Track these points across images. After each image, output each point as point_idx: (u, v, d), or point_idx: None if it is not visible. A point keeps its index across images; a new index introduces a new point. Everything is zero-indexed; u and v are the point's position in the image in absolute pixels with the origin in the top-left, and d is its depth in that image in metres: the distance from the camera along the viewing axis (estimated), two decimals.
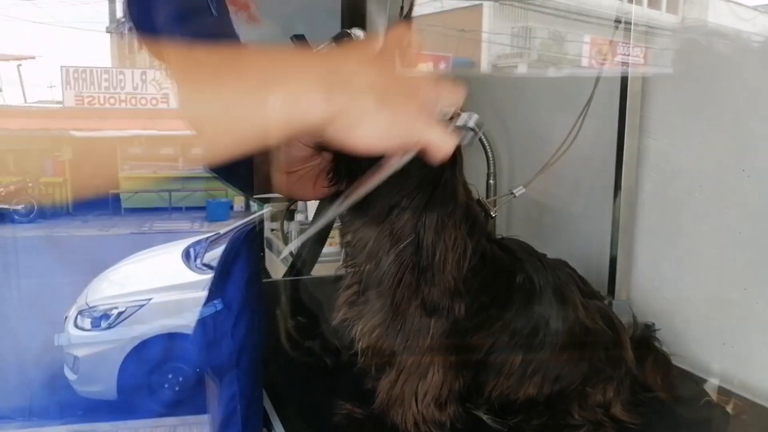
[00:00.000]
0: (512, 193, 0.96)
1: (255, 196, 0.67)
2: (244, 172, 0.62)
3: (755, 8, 0.86)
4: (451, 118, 0.46)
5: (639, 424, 0.69)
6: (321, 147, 0.64)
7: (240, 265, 0.64)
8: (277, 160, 0.66)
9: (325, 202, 1.01)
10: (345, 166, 0.60)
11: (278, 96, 0.38)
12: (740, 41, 0.86)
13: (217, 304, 0.64)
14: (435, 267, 0.59)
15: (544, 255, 0.72)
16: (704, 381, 0.83)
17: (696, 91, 0.90)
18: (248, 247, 0.64)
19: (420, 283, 0.60)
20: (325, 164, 0.64)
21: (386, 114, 0.41)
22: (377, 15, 1.45)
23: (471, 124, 0.49)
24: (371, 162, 0.59)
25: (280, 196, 0.70)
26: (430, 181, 0.60)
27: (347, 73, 0.40)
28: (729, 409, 0.74)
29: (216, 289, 0.63)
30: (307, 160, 0.66)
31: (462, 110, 0.48)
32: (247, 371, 0.65)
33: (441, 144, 0.43)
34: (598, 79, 0.95)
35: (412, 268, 0.60)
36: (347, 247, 0.67)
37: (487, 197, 1.08)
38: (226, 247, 0.65)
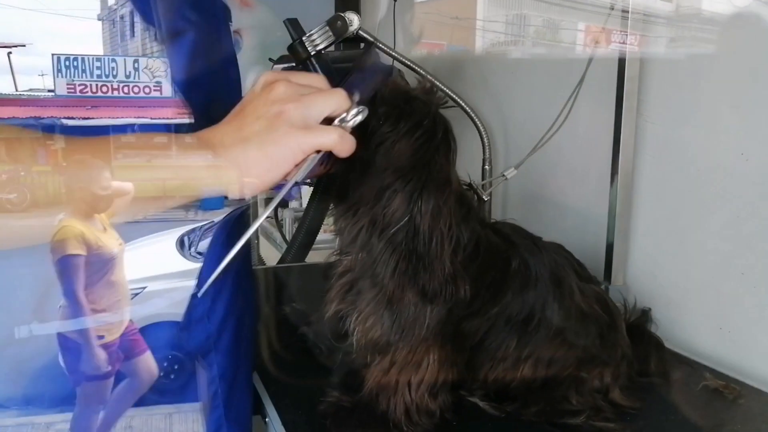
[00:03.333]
0: (503, 175, 0.96)
1: None
2: None
3: None
4: (344, 118, 0.49)
5: (637, 409, 0.68)
6: None
7: (214, 249, 0.63)
8: None
9: (317, 193, 1.00)
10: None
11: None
12: (736, 27, 0.85)
13: (192, 288, 0.63)
14: (432, 254, 0.58)
15: (540, 238, 0.72)
16: (701, 366, 0.83)
17: (693, 76, 0.89)
18: (225, 232, 0.64)
19: (418, 270, 0.59)
20: None
21: (255, 152, 0.44)
22: None
23: (359, 116, 0.50)
24: (369, 151, 0.58)
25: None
26: (424, 165, 0.59)
27: (214, 146, 0.44)
28: (725, 393, 0.74)
29: (199, 276, 0.63)
30: None
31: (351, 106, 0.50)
32: (227, 354, 0.64)
33: (337, 144, 0.46)
34: (589, 61, 0.94)
35: (408, 254, 0.59)
36: (339, 235, 0.66)
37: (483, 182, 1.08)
38: (214, 234, 0.64)
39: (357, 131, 0.60)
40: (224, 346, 0.63)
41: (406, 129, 0.59)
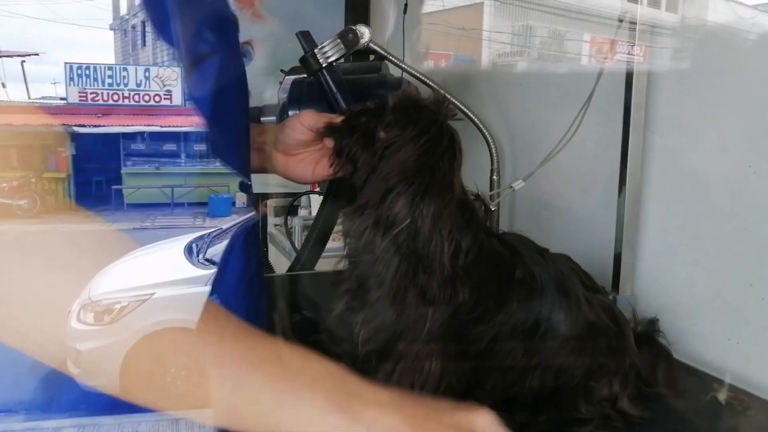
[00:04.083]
0: (511, 186, 0.97)
1: (252, 174, 0.67)
2: (243, 154, 0.62)
3: (755, 7, 0.86)
4: None
5: (646, 419, 0.69)
6: (324, 132, 0.64)
7: (235, 260, 0.64)
8: (279, 142, 0.67)
9: (327, 198, 1.01)
10: (348, 154, 0.61)
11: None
12: (743, 39, 0.86)
13: (214, 300, 0.64)
14: (431, 255, 0.60)
15: (546, 250, 0.72)
16: (709, 377, 0.82)
17: (701, 88, 0.90)
18: (244, 242, 0.64)
19: (417, 271, 0.60)
20: (326, 149, 0.65)
21: None
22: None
23: None
24: (374, 155, 0.60)
25: (283, 185, 0.71)
26: (428, 170, 0.60)
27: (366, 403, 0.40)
28: (734, 405, 0.74)
29: (214, 285, 0.63)
30: (308, 144, 0.67)
31: None
32: None
33: None
34: (600, 74, 0.95)
35: (408, 255, 0.60)
36: (346, 237, 0.67)
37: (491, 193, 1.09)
38: (227, 243, 0.65)
39: (365, 136, 0.62)
40: None
41: (413, 134, 0.61)
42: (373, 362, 0.67)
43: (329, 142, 0.65)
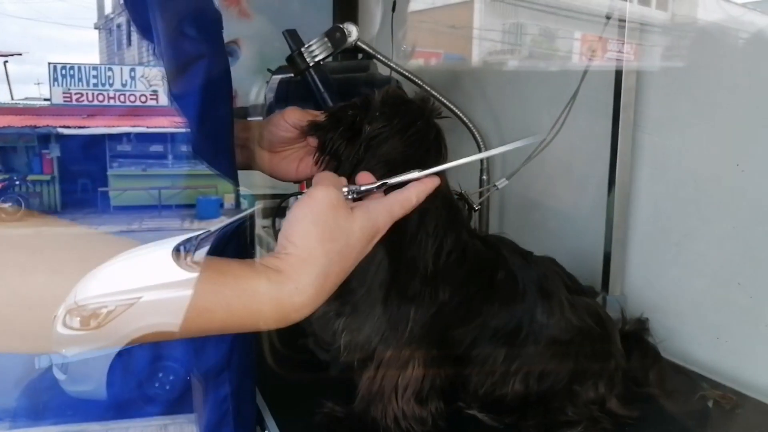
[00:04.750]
0: (495, 185, 0.96)
1: (238, 170, 0.66)
2: (228, 155, 0.61)
3: (744, 5, 0.87)
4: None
5: (635, 419, 0.68)
6: (308, 131, 0.63)
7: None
8: (263, 139, 0.66)
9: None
10: (332, 149, 0.60)
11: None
12: (733, 37, 0.86)
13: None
14: (414, 253, 0.59)
15: (530, 252, 0.72)
16: (698, 376, 0.83)
17: (691, 86, 0.90)
18: (234, 245, 0.63)
19: (400, 268, 0.59)
20: (310, 146, 0.64)
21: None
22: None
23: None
24: (359, 147, 0.59)
25: (271, 186, 0.70)
26: (415, 163, 0.59)
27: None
28: (722, 403, 0.75)
29: None
30: (293, 141, 0.66)
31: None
32: (238, 372, 0.64)
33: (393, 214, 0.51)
34: (585, 72, 0.94)
35: (391, 251, 0.59)
36: None
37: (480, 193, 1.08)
38: (211, 246, 0.64)
39: (349, 129, 0.61)
40: (236, 364, 0.63)
41: (400, 126, 0.60)
42: (355, 366, 0.66)
43: (312, 141, 0.64)
